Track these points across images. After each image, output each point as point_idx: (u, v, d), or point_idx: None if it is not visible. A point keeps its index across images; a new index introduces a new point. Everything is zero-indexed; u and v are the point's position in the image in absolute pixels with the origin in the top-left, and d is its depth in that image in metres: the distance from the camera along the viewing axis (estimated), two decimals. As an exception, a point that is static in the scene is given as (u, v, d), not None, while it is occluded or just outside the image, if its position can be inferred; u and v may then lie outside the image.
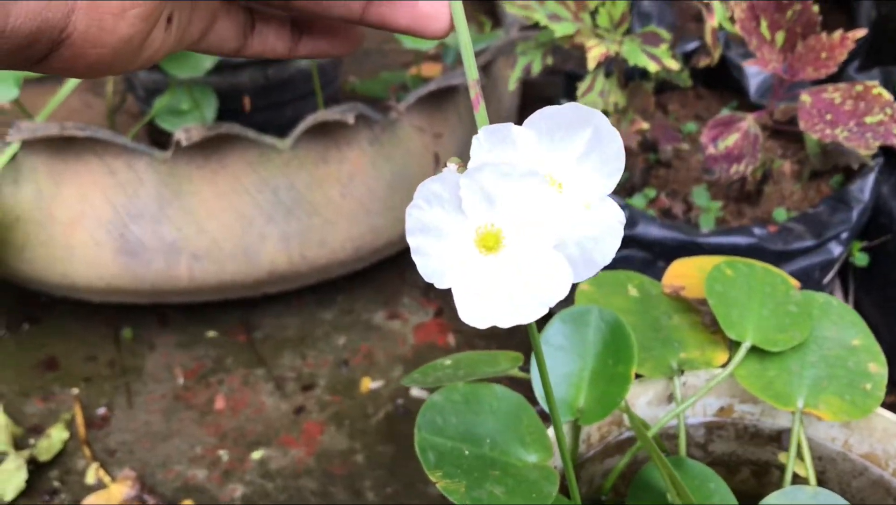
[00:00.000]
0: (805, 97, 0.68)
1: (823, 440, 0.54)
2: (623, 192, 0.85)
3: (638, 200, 0.82)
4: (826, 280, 0.80)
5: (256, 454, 0.84)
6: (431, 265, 0.29)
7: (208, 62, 0.76)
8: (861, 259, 0.85)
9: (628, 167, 0.86)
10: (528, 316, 0.29)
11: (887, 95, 0.66)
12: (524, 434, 0.48)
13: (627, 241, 0.79)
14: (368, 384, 0.91)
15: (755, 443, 0.56)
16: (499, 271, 0.30)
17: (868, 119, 0.66)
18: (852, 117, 0.66)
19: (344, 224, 0.87)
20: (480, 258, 0.30)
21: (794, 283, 0.57)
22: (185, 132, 0.74)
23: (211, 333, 0.96)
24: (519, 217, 0.30)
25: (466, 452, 0.46)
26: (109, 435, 0.86)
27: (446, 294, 1.01)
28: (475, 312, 0.29)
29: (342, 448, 0.85)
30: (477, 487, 0.45)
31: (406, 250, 1.02)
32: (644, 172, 0.87)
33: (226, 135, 0.78)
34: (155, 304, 0.95)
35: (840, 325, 0.54)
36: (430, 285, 1.02)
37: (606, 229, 0.31)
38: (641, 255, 0.78)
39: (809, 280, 0.79)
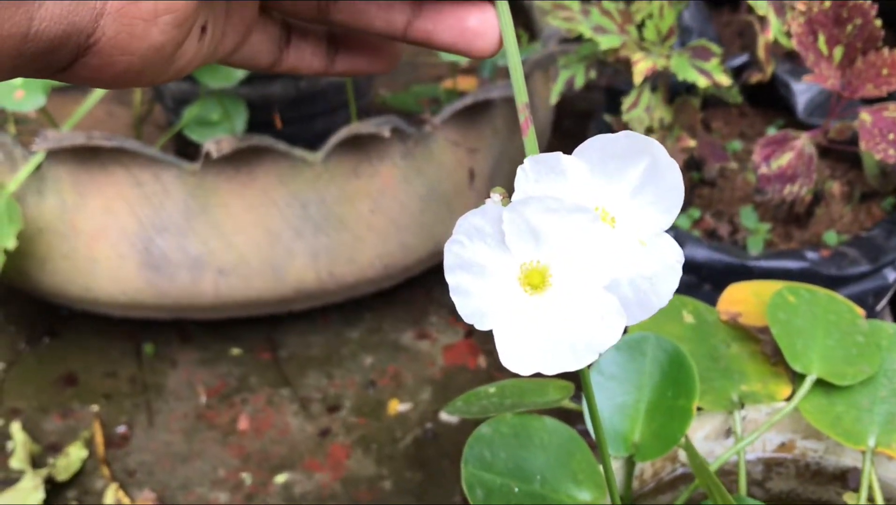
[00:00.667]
0: (865, 115, 0.65)
1: (891, 482, 0.50)
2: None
3: (682, 221, 0.79)
4: (880, 307, 0.77)
5: (280, 478, 0.81)
6: (472, 305, 0.27)
7: (240, 73, 0.74)
8: (915, 285, 0.81)
9: (670, 186, 0.83)
10: (575, 363, 0.26)
11: (953, 114, 0.63)
12: (576, 471, 0.45)
13: (671, 263, 0.76)
14: (396, 406, 0.88)
15: (817, 482, 0.53)
16: (544, 313, 0.27)
17: (932, 138, 0.63)
18: (915, 137, 0.63)
19: (373, 240, 0.84)
20: (525, 298, 0.27)
21: (860, 311, 0.54)
22: (215, 144, 0.72)
23: (235, 351, 0.93)
24: (567, 255, 0.27)
25: (516, 490, 0.43)
26: (129, 455, 0.83)
27: (476, 314, 0.98)
28: (518, 358, 0.26)
29: (369, 473, 0.82)
30: (528, 528, 0.41)
31: (435, 268, 1.00)
32: (688, 192, 0.83)
33: (256, 147, 0.75)
34: (177, 319, 0.92)
35: (913, 357, 0.51)
36: (460, 305, 0.99)
37: (663, 268, 0.28)
38: (687, 278, 0.75)
39: (863, 307, 0.75)
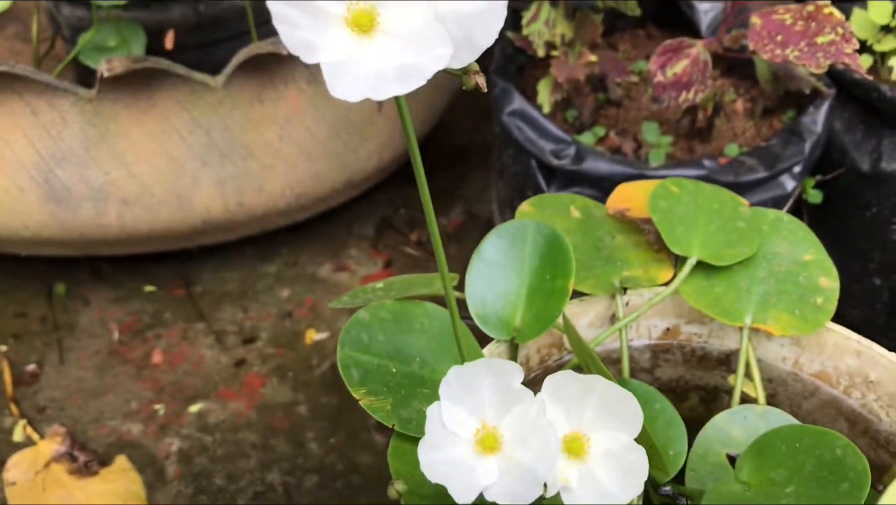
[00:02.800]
0: (755, 19, 0.66)
1: (774, 361, 0.52)
2: (571, 130, 0.82)
3: (587, 138, 0.80)
4: (779, 216, 0.78)
5: (194, 408, 0.81)
6: (297, 36, 0.27)
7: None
8: (814, 196, 0.83)
9: (577, 106, 0.83)
10: (404, 88, 0.27)
11: (839, 15, 0.64)
12: (457, 353, 0.45)
13: (575, 178, 0.76)
14: (313, 336, 0.88)
15: (703, 367, 0.54)
16: (373, 46, 0.27)
17: (819, 39, 0.64)
18: (803, 37, 0.64)
19: (282, 169, 0.83)
20: (353, 36, 0.27)
21: (744, 201, 0.55)
22: (107, 63, 0.70)
23: (148, 288, 0.92)
24: None
25: (394, 370, 0.43)
26: (39, 392, 0.82)
27: (395, 246, 0.98)
28: (346, 86, 0.27)
29: (284, 400, 0.81)
30: (404, 406, 0.42)
31: (353, 200, 0.99)
32: (594, 112, 0.84)
33: (153, 70, 0.74)
34: (89, 257, 0.91)
35: (791, 240, 0.52)
36: (379, 237, 0.99)
37: (488, 5, 0.28)
38: (590, 192, 0.76)
39: (762, 216, 0.77)
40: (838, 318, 0.50)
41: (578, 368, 0.51)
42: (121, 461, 0.76)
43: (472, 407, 0.35)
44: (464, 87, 0.35)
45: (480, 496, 0.34)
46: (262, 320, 0.89)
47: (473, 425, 0.35)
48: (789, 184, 0.77)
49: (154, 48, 0.81)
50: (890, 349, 0.49)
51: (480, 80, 0.36)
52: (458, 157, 1.10)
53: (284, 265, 0.95)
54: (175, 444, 0.78)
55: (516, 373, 0.35)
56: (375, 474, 0.76)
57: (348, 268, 0.95)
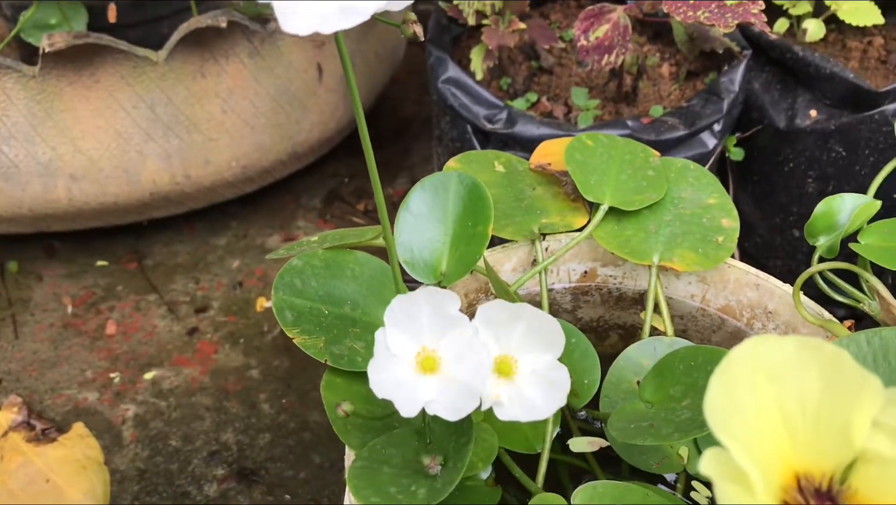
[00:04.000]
0: (669, -16, 0.70)
1: (683, 298, 0.56)
2: (505, 96, 0.85)
3: (519, 104, 0.83)
4: (702, 173, 0.83)
5: (149, 375, 0.83)
6: None
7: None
8: (737, 154, 0.88)
9: (510, 74, 0.87)
10: (346, 22, 0.30)
11: (745, -22, 0.68)
12: (388, 297, 0.48)
13: (508, 141, 0.80)
14: (263, 303, 0.90)
15: (620, 306, 0.58)
16: None
17: (728, 1, 0.68)
18: (714, 0, 0.68)
19: (227, 141, 0.86)
20: None
21: (655, 152, 0.59)
22: (48, 39, 0.72)
23: (100, 262, 0.94)
24: None
25: (326, 312, 0.46)
26: (-6, 366, 0.84)
27: (342, 216, 1.01)
28: (295, 21, 0.30)
29: (237, 365, 0.84)
30: (336, 343, 0.45)
31: (299, 172, 1.02)
32: (527, 79, 0.87)
33: (95, 45, 0.75)
34: (40, 234, 0.92)
35: (696, 186, 0.56)
36: (327, 207, 1.02)
37: None
38: (522, 154, 0.79)
39: (686, 172, 0.81)
40: (762, 269, 0.54)
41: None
42: (78, 428, 0.78)
43: (413, 332, 0.39)
44: (402, 35, 0.39)
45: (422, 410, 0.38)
46: (214, 290, 0.92)
47: (414, 349, 0.39)
48: (710, 141, 0.81)
49: (97, 25, 0.83)
50: (811, 297, 0.53)
51: (417, 29, 0.40)
52: (402, 129, 1.14)
53: (234, 237, 0.98)
54: (131, 409, 0.80)
55: (453, 300, 0.39)
56: (326, 431, 0.80)
57: (297, 238, 0.98)
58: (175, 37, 0.78)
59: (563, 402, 0.40)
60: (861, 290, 0.48)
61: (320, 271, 0.48)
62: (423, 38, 0.42)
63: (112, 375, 0.83)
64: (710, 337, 0.56)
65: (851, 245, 0.47)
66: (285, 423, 0.80)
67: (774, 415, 0.25)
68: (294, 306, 0.46)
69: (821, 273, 0.48)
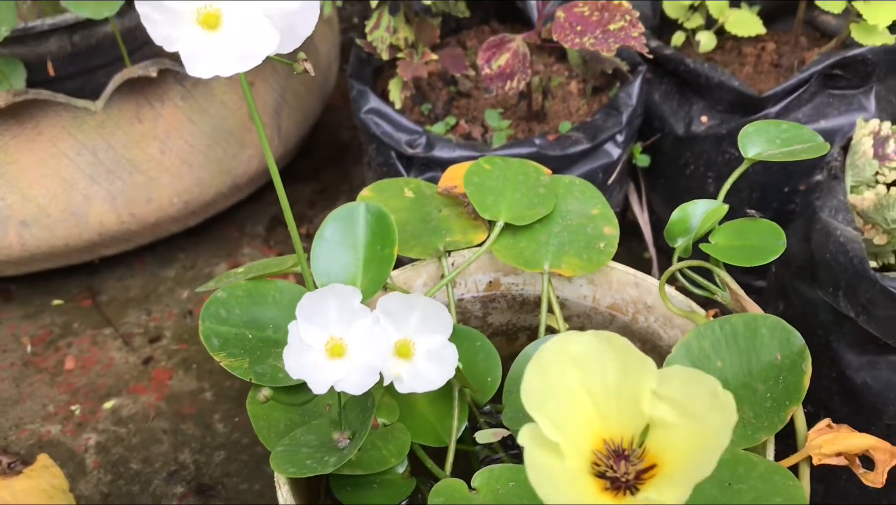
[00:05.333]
0: (560, 13, 0.77)
1: (577, 299, 0.63)
2: (427, 121, 0.92)
3: (438, 128, 0.90)
4: (610, 181, 0.90)
5: (108, 404, 0.88)
6: (160, 32, 0.36)
7: (3, 28, 0.79)
8: (643, 160, 0.95)
9: (431, 99, 0.93)
10: (244, 66, 0.36)
11: (627, 4, 0.75)
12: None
13: (429, 164, 0.86)
14: (213, 329, 0.96)
15: (525, 310, 0.65)
16: (220, 38, 0.37)
17: (611, 26, 0.75)
18: (598, 26, 0.75)
19: (168, 179, 0.91)
20: (204, 32, 0.37)
21: (546, 171, 0.66)
22: (-11, 99, 0.77)
23: (56, 301, 0.99)
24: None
25: (250, 336, 0.52)
26: (-40, 407, 0.89)
27: (285, 241, 1.07)
28: (200, 67, 0.36)
29: (191, 389, 0.90)
30: (259, 363, 0.51)
31: (243, 202, 1.08)
32: (446, 104, 0.94)
33: (34, 100, 0.81)
34: (-5, 280, 0.97)
35: (581, 199, 0.63)
36: (270, 234, 1.08)
37: (306, 5, 0.38)
38: (442, 174, 0.86)
39: (594, 183, 0.88)
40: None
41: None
42: (42, 459, 0.83)
43: (321, 324, 0.45)
44: (295, 73, 0.45)
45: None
46: (166, 320, 0.97)
47: (324, 338, 0.45)
48: (615, 151, 0.88)
49: (36, 79, 0.88)
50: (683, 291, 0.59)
51: (308, 67, 0.46)
52: (340, 155, 1.20)
53: (183, 268, 1.03)
54: (92, 438, 0.85)
55: (355, 295, 0.45)
56: (278, 444, 0.85)
57: (242, 265, 1.03)
58: (110, 87, 0.84)
59: (451, 374, 0.46)
60: (716, 283, 0.54)
61: (243, 300, 0.54)
62: (313, 74, 0.48)
63: (73, 407, 0.88)
64: (604, 332, 0.63)
65: (702, 246, 0.54)
66: (239, 439, 0.85)
67: (582, 394, 0.32)
68: (219, 333, 0.52)
69: (681, 270, 0.55)
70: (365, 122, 0.88)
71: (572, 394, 0.32)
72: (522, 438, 0.30)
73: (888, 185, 0.73)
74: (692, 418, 0.30)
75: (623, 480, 0.31)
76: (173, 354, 0.93)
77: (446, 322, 0.47)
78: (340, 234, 0.57)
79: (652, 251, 1.00)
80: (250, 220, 1.10)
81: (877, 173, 0.71)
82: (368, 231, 0.57)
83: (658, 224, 1.00)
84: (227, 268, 1.03)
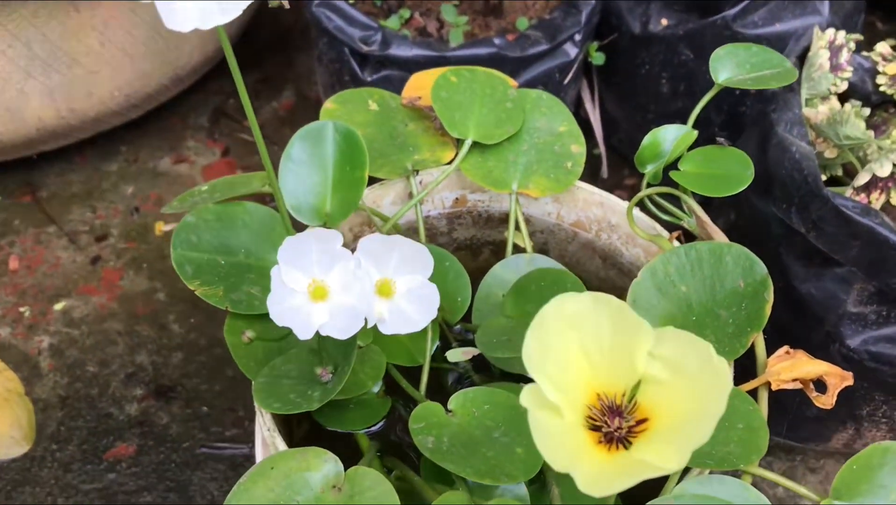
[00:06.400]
0: None
1: (541, 216, 0.64)
2: (380, 13, 0.89)
3: (392, 22, 0.87)
4: (567, 81, 0.89)
5: (59, 306, 0.87)
6: None
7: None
8: (598, 58, 0.94)
9: (384, -10, 0.90)
10: (224, 18, 0.35)
11: None
12: (276, 241, 0.54)
13: (385, 62, 0.84)
14: (162, 227, 0.94)
15: (489, 226, 0.65)
16: None
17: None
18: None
19: (108, 72, 0.87)
20: None
21: (513, 83, 0.65)
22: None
23: (-7, 198, 0.95)
24: None
25: (222, 262, 0.52)
26: None
27: (230, 134, 1.04)
28: (178, 20, 0.34)
29: (143, 289, 0.89)
30: (234, 290, 0.51)
31: (184, 93, 1.04)
32: (401, -6, 0.91)
33: (-40, -10, 0.75)
34: (-75, 175, 0.93)
35: (549, 115, 0.63)
36: (214, 126, 1.05)
37: None
38: (398, 73, 0.84)
39: (551, 82, 0.88)
40: (631, 167, 0.60)
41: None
42: (-5, 362, 0.82)
43: (304, 267, 0.44)
44: (270, 5, 0.43)
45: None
46: (112, 217, 0.95)
47: (306, 281, 0.45)
48: (572, 51, 0.87)
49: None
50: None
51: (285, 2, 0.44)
52: (284, 41, 1.15)
53: (126, 162, 1.00)
54: (45, 340, 0.85)
55: (336, 238, 0.45)
56: (235, 344, 0.86)
57: (187, 159, 1.01)
58: (43, -25, 0.78)
59: (434, 314, 0.47)
60: (683, 210, 0.56)
61: (213, 224, 0.53)
62: (288, 6, 0.46)
63: (21, 309, 0.87)
64: (567, 248, 0.64)
65: (672, 174, 0.55)
66: (196, 340, 0.85)
67: (578, 352, 0.33)
68: (192, 260, 0.51)
69: (649, 195, 0.56)
70: (316, 15, 0.85)
71: (568, 351, 0.33)
72: (524, 400, 0.31)
73: (840, 98, 0.75)
74: (684, 377, 0.32)
75: (616, 434, 0.33)
76: (122, 252, 0.92)
77: (426, 262, 0.47)
78: (308, 155, 0.56)
79: (602, 149, 1.01)
80: (193, 112, 1.06)
81: (833, 84, 0.72)
82: (338, 152, 0.56)
83: (609, 122, 1.01)
84: (172, 162, 1.00)
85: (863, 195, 0.66)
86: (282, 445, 0.46)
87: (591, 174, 1.01)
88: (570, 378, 0.33)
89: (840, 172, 0.73)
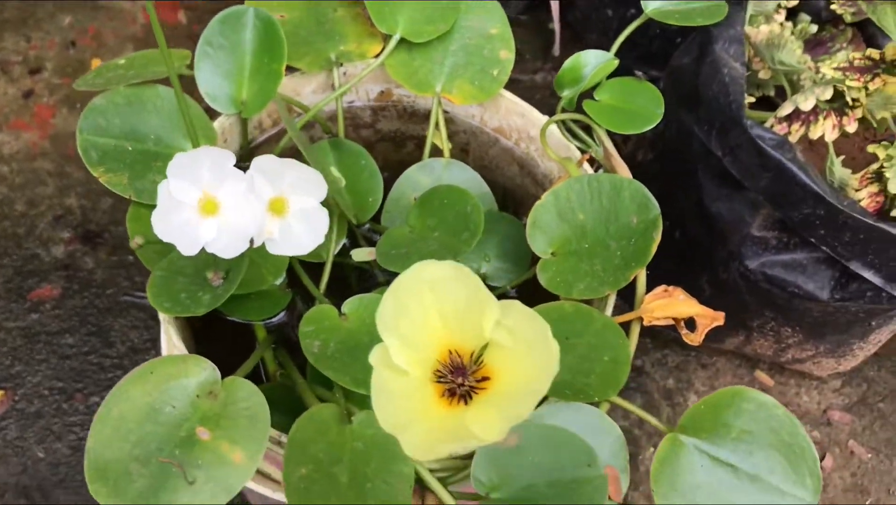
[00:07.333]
0: None
1: (465, 118, 0.64)
2: None
3: None
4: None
5: (-12, 140, 0.86)
6: None
7: None
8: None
9: None
10: None
11: None
12: (192, 132, 0.54)
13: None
14: (98, 64, 0.92)
15: (414, 121, 0.65)
16: None
17: None
18: None
19: None
20: None
21: (450, -24, 0.63)
22: None
23: (-79, 16, 0.92)
24: None
25: (129, 149, 0.52)
26: None
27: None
28: None
29: (76, 129, 0.88)
30: (139, 178, 0.51)
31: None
32: None
33: None
34: None
35: (483, 15, 0.61)
36: (159, -42, 1.00)
37: None
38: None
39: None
40: (585, 46, 0.58)
41: (309, 126, 0.61)
42: (-78, 192, 0.82)
43: (195, 181, 0.45)
44: None
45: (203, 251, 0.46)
46: (47, 50, 0.92)
47: (196, 194, 0.46)
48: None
49: None
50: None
51: None
52: None
53: (64, -10, 0.96)
54: (-27, 174, 0.85)
55: (228, 158, 0.45)
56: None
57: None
58: None
59: (322, 239, 0.49)
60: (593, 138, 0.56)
61: (123, 108, 0.52)
62: None
63: (-50, 138, 0.86)
64: (488, 151, 0.65)
65: (585, 105, 0.55)
66: (126, 188, 0.86)
67: (434, 314, 0.35)
68: (98, 146, 0.51)
69: (563, 120, 0.56)
70: None
71: (425, 312, 0.35)
72: (373, 359, 0.34)
73: (790, 12, 0.74)
74: (523, 345, 0.34)
75: (459, 389, 0.35)
76: (56, 88, 0.90)
77: (320, 187, 0.48)
78: (226, 41, 0.55)
79: (556, 25, 0.99)
80: (138, -63, 1.01)
81: (779, 5, 0.71)
82: (256, 40, 0.55)
83: (567, -1, 0.98)
84: (113, -7, 0.97)
85: (784, 125, 0.67)
86: (176, 339, 0.48)
87: (543, 49, 1.00)
88: (424, 336, 0.35)
89: (773, 93, 0.73)
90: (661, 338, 0.85)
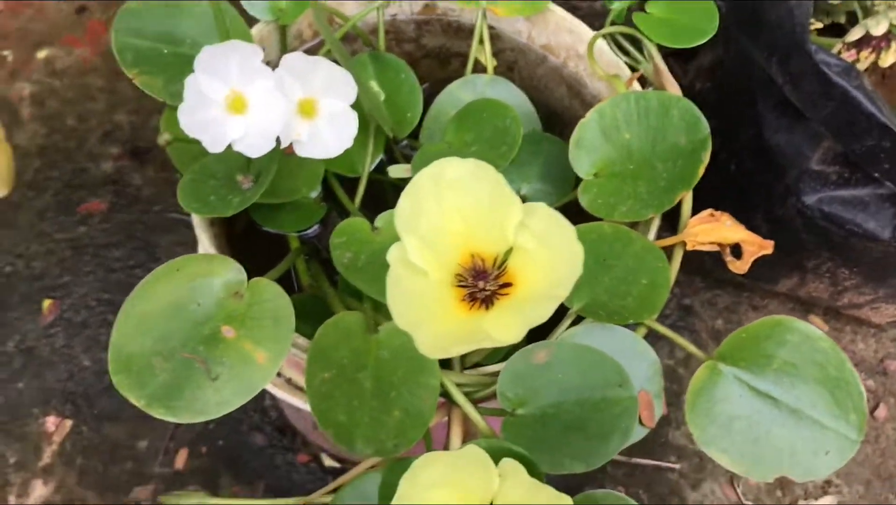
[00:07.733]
0: None
1: (512, 34, 0.61)
2: None
3: None
4: None
5: (41, 54, 0.87)
6: None
7: None
8: None
9: None
10: None
11: None
12: (226, 35, 0.53)
13: None
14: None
15: (459, 37, 0.63)
16: None
17: None
18: None
19: None
20: None
21: None
22: None
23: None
24: None
25: (165, 51, 0.51)
26: None
27: None
28: None
29: (127, 47, 0.88)
30: (174, 82, 0.51)
31: None
32: None
33: None
34: None
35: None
36: None
37: None
38: None
39: None
40: None
41: (352, 40, 0.60)
42: (-23, 104, 0.84)
43: (223, 77, 0.44)
44: None
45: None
46: (100, -34, 0.92)
47: (224, 91, 0.45)
48: None
49: None
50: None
51: None
52: None
53: None
54: (27, 88, 0.85)
55: (257, 53, 0.44)
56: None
57: None
58: None
59: (349, 143, 0.48)
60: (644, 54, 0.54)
61: (159, 10, 0.51)
62: None
63: (5, 52, 0.87)
64: (535, 70, 0.63)
65: (634, 16, 0.52)
66: (175, 106, 0.86)
67: (455, 215, 0.34)
68: (134, 47, 0.50)
69: (614, 35, 0.53)
70: None
71: (445, 213, 0.33)
72: (390, 256, 0.32)
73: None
74: (547, 248, 0.33)
75: (480, 295, 0.34)
76: (108, 6, 0.90)
77: (351, 89, 0.46)
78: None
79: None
80: None
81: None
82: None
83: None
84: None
85: (852, 52, 0.63)
86: (208, 245, 0.48)
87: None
88: (445, 238, 0.34)
89: (843, 20, 0.69)
90: (712, 277, 0.82)
